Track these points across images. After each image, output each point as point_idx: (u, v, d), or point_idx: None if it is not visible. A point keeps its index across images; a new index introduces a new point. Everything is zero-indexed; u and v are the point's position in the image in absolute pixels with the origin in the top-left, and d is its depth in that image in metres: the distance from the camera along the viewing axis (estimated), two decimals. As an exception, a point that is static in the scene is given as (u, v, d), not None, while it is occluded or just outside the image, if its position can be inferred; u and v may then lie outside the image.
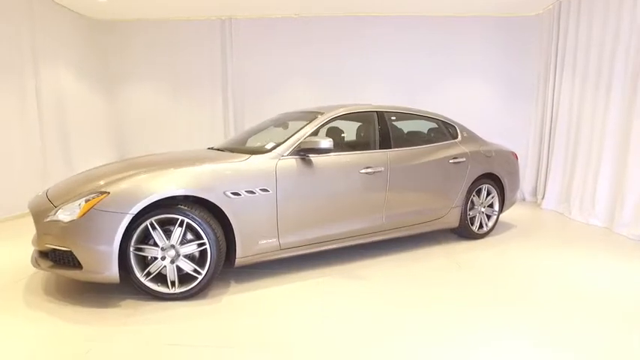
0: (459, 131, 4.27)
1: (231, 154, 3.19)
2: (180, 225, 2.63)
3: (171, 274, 2.66)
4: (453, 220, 4.02)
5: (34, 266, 2.71)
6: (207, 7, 6.15)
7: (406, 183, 3.65)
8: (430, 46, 6.56)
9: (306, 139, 3.13)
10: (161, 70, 6.73)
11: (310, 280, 3.11)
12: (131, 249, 2.57)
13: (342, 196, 3.29)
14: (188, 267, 2.68)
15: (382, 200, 3.49)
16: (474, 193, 4.12)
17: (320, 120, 3.39)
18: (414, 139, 4.04)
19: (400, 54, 6.59)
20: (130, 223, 2.50)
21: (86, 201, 2.50)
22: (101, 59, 6.64)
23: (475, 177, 4.10)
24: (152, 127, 6.81)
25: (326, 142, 3.06)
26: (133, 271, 2.59)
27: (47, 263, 2.65)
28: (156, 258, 2.62)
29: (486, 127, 6.46)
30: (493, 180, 4.30)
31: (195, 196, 2.68)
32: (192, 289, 2.69)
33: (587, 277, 3.24)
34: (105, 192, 2.53)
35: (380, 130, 3.67)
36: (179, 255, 2.65)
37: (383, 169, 3.47)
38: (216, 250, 2.69)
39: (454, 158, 3.98)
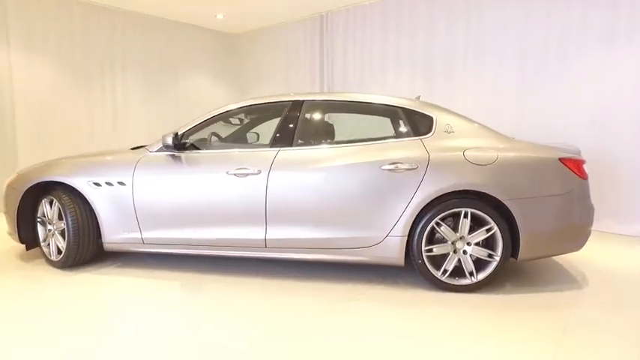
0: (435, 124, 2.82)
1: (123, 149, 3.40)
2: (55, 204, 3.14)
3: (53, 245, 3.20)
4: (391, 254, 2.75)
5: None
6: (308, 5, 6.26)
7: (297, 192, 2.81)
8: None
9: (165, 136, 2.98)
10: (276, 70, 7.32)
11: (165, 280, 2.99)
12: (37, 220, 3.28)
13: (206, 199, 2.93)
14: (59, 242, 3.15)
15: (261, 210, 2.84)
16: (438, 220, 2.67)
17: (211, 114, 3.11)
18: (343, 135, 3.02)
19: (513, 17, 4.69)
20: (29, 198, 3.20)
21: (9, 178, 3.38)
22: (228, 65, 7.84)
23: (438, 194, 2.64)
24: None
25: (166, 139, 2.86)
26: (38, 237, 3.30)
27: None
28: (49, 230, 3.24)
29: None
30: (489, 204, 2.63)
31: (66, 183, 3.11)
32: (59, 261, 3.14)
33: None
34: (18, 173, 3.34)
35: (283, 124, 2.98)
36: (55, 231, 3.17)
37: (260, 171, 2.82)
38: (73, 231, 3.03)
39: (392, 163, 2.70)
